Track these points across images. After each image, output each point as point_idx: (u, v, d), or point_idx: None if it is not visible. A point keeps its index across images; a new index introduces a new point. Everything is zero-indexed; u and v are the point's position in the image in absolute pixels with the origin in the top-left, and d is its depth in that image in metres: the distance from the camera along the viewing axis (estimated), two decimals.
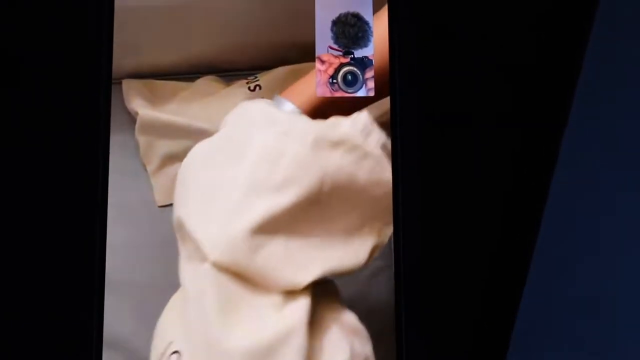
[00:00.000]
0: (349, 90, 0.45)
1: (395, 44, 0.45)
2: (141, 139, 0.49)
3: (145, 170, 0.49)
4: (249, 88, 0.49)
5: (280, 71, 0.49)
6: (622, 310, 0.45)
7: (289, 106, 0.46)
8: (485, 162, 0.47)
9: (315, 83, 0.46)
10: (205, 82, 0.50)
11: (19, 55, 0.47)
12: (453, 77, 0.48)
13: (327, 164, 0.44)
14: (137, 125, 0.49)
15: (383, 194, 0.45)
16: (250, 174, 0.43)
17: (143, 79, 0.50)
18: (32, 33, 0.47)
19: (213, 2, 0.48)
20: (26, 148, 0.46)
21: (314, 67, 0.46)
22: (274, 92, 0.47)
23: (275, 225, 0.43)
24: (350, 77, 0.45)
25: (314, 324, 0.43)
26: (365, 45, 0.45)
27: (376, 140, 0.45)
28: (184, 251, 0.44)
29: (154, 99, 0.50)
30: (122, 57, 0.47)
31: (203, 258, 0.42)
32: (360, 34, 0.45)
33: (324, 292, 0.44)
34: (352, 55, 0.45)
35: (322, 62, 0.45)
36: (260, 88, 0.49)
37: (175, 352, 0.42)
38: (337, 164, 0.44)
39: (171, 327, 0.43)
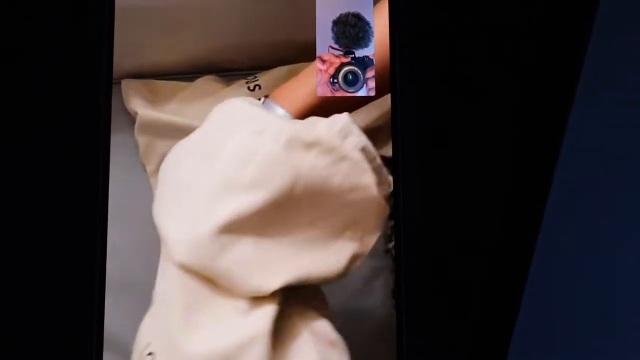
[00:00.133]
0: (350, 90, 0.45)
1: (396, 43, 0.45)
2: (141, 139, 0.49)
3: (145, 170, 0.49)
4: (248, 88, 0.49)
5: (279, 71, 0.49)
6: (622, 310, 0.45)
7: (278, 111, 0.45)
8: (486, 162, 0.47)
9: (305, 84, 0.45)
10: (204, 82, 0.50)
11: (19, 55, 0.47)
12: (453, 77, 0.48)
13: (299, 165, 0.42)
14: (136, 125, 0.49)
15: (362, 199, 0.43)
16: (221, 173, 0.42)
17: (142, 78, 0.50)
18: (33, 33, 0.47)
19: (213, 2, 0.48)
20: (26, 148, 0.46)
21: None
22: None
23: (243, 226, 0.41)
24: (351, 76, 0.45)
25: (283, 332, 0.42)
26: (366, 45, 0.45)
27: (354, 143, 0.43)
28: (163, 250, 0.43)
29: (154, 99, 0.50)
30: (122, 57, 0.47)
31: (172, 258, 0.42)
32: (360, 34, 0.45)
33: (300, 299, 0.43)
34: (353, 55, 0.45)
35: (323, 61, 0.45)
36: (259, 88, 0.49)
37: (150, 353, 0.41)
38: (310, 166, 0.42)
39: (149, 328, 0.43)
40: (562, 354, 0.45)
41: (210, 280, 0.42)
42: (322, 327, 0.43)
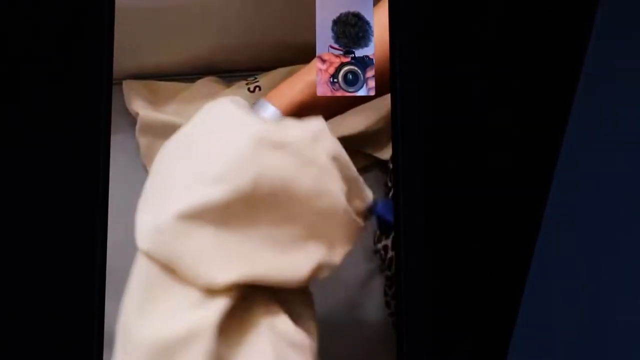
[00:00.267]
0: (350, 90, 0.45)
1: (396, 43, 0.45)
2: (142, 140, 0.49)
3: (146, 170, 0.49)
4: (248, 89, 0.49)
5: (279, 72, 0.49)
6: (622, 310, 0.45)
7: (270, 109, 0.45)
8: (486, 162, 0.47)
9: (297, 84, 0.45)
10: (205, 83, 0.50)
11: (20, 56, 0.47)
12: (453, 77, 0.48)
13: (265, 164, 0.42)
14: (137, 126, 0.49)
15: (330, 207, 0.42)
16: (190, 168, 0.42)
17: (144, 79, 0.50)
18: (33, 34, 0.47)
19: (213, 3, 0.48)
20: (27, 148, 0.46)
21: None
22: None
23: (202, 217, 0.41)
24: (351, 76, 0.45)
25: (241, 327, 0.41)
26: (366, 45, 0.45)
27: (325, 149, 0.43)
28: None
29: (155, 100, 0.50)
30: (123, 58, 0.47)
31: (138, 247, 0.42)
32: (360, 34, 0.45)
33: (267, 297, 0.43)
34: (353, 55, 0.45)
35: (323, 61, 0.45)
36: (260, 89, 0.49)
37: None
38: (275, 166, 0.42)
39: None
40: (562, 354, 0.45)
41: (170, 270, 0.41)
42: (285, 325, 0.42)
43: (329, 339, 0.46)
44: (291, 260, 0.42)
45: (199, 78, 0.50)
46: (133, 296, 0.41)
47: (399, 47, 0.45)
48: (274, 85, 0.48)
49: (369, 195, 0.45)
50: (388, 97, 0.46)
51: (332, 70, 0.45)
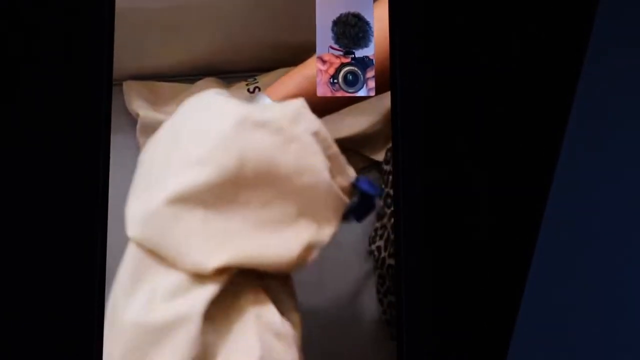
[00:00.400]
0: (350, 90, 0.45)
1: (396, 43, 0.45)
2: (142, 140, 0.49)
3: None
4: (248, 90, 0.49)
5: (279, 73, 0.49)
6: (622, 310, 0.45)
7: (267, 101, 0.45)
8: (486, 162, 0.47)
9: (295, 79, 0.46)
10: (205, 84, 0.50)
11: (20, 56, 0.47)
12: (453, 77, 0.48)
13: (248, 144, 0.42)
14: (138, 127, 0.49)
15: (314, 184, 0.43)
16: (175, 153, 0.43)
17: (144, 80, 0.50)
18: (34, 35, 0.47)
19: (213, 4, 0.48)
20: (27, 149, 0.46)
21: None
22: None
23: (190, 200, 0.42)
24: (351, 76, 0.45)
25: (228, 315, 0.41)
26: (366, 45, 0.45)
27: (306, 126, 0.43)
28: None
29: (155, 101, 0.50)
30: (123, 59, 0.47)
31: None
32: (360, 34, 0.45)
33: (255, 285, 0.43)
34: (353, 55, 0.45)
35: (323, 62, 0.45)
36: (259, 90, 0.49)
37: None
38: (258, 145, 0.42)
39: None
40: (561, 354, 0.45)
41: (159, 255, 0.42)
42: (271, 315, 0.42)
43: (326, 338, 0.46)
44: (281, 240, 0.42)
45: (199, 79, 0.50)
46: (121, 281, 0.42)
47: (399, 46, 0.45)
48: None
49: (352, 171, 0.45)
50: (387, 98, 0.46)
51: (332, 70, 0.45)
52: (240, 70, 0.50)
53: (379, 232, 0.47)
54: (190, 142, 0.43)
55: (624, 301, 0.45)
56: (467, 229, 0.46)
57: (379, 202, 0.47)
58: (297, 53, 0.47)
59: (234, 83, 0.50)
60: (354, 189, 0.45)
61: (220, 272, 0.41)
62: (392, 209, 0.46)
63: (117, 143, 0.46)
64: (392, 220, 0.46)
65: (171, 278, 0.41)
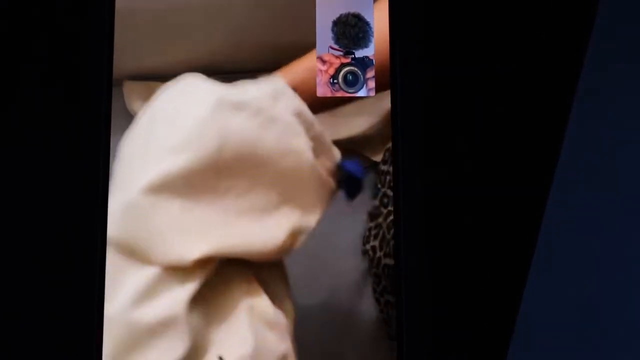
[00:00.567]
0: (350, 90, 0.45)
1: (396, 43, 0.45)
2: None
3: None
4: None
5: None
6: (622, 310, 0.45)
7: (279, 82, 0.45)
8: (485, 162, 0.47)
9: (305, 62, 0.45)
10: None
11: (20, 56, 0.47)
12: (453, 77, 0.48)
13: (227, 127, 0.41)
14: None
15: (298, 166, 0.42)
16: (152, 142, 0.42)
17: (144, 80, 0.50)
18: (34, 35, 0.47)
19: (213, 4, 0.48)
20: (27, 149, 0.46)
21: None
22: None
23: (169, 189, 0.40)
24: (351, 77, 0.45)
25: (220, 307, 0.41)
26: (366, 46, 0.45)
27: (287, 106, 0.42)
28: None
29: None
30: (123, 59, 0.47)
31: None
32: (360, 35, 0.45)
33: (246, 276, 0.42)
34: (353, 55, 0.45)
35: (323, 62, 0.45)
36: None
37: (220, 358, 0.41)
38: (238, 128, 0.41)
39: None
40: (561, 355, 0.45)
41: (136, 251, 0.41)
42: (264, 305, 0.41)
43: (324, 337, 0.46)
44: (264, 228, 0.41)
45: None
46: (107, 286, 0.41)
47: (399, 46, 0.45)
48: None
49: (337, 152, 0.44)
50: (387, 99, 0.46)
51: (332, 71, 0.45)
52: (240, 71, 0.50)
53: (373, 232, 0.47)
54: (166, 129, 0.42)
55: (624, 301, 0.45)
56: (467, 229, 0.46)
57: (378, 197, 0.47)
58: (297, 53, 0.47)
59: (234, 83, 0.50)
60: (339, 170, 0.44)
61: (202, 263, 0.40)
62: (388, 208, 0.46)
63: (117, 143, 0.46)
64: (388, 219, 0.46)
65: (150, 275, 0.40)
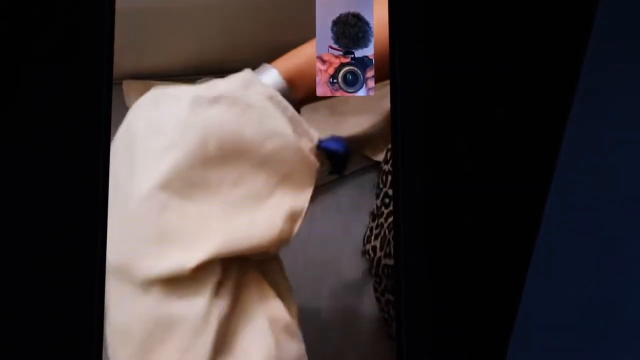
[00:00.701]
0: (350, 90, 0.45)
1: (396, 43, 0.45)
2: None
3: None
4: None
5: None
6: (621, 310, 0.45)
7: (272, 72, 0.45)
8: (486, 162, 0.47)
9: (304, 52, 0.45)
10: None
11: (20, 56, 0.47)
12: (453, 77, 0.48)
13: (207, 122, 0.42)
14: None
15: (281, 147, 0.42)
16: (136, 156, 0.42)
17: (144, 80, 0.50)
18: (33, 35, 0.47)
19: (213, 4, 0.48)
20: (27, 148, 0.46)
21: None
22: None
23: (165, 192, 0.41)
24: (350, 76, 0.45)
25: (237, 315, 0.41)
26: (366, 46, 0.45)
27: (259, 92, 0.43)
28: None
29: None
30: (123, 58, 0.47)
31: None
32: (360, 34, 0.45)
33: (257, 282, 0.42)
34: (353, 55, 0.45)
35: (323, 61, 0.45)
36: None
37: None
38: (217, 121, 0.42)
39: None
40: (561, 354, 0.45)
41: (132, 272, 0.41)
42: (279, 310, 0.42)
43: (325, 337, 0.46)
44: (262, 216, 0.42)
45: (199, 78, 0.50)
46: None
47: (399, 46, 0.45)
48: None
49: (315, 133, 0.45)
50: (388, 98, 0.46)
51: (331, 70, 0.45)
52: (240, 70, 0.50)
53: (375, 232, 0.47)
54: (149, 139, 0.42)
55: (624, 301, 0.45)
56: (467, 229, 0.46)
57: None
58: None
59: None
60: (321, 149, 0.45)
61: (205, 268, 0.41)
62: (390, 208, 0.46)
63: None
64: (389, 219, 0.46)
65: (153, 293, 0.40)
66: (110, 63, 0.46)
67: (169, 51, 0.50)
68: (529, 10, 0.48)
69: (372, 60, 0.45)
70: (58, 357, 0.45)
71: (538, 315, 0.45)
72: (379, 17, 0.45)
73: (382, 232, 0.47)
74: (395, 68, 0.45)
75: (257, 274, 0.42)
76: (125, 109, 0.49)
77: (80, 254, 0.45)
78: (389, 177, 0.47)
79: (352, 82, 0.45)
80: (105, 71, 0.46)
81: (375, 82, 0.45)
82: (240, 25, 0.49)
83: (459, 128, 0.47)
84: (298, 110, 0.46)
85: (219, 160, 0.42)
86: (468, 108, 0.48)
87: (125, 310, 0.41)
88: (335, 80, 0.45)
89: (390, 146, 0.47)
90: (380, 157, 0.49)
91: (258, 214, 0.42)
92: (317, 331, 0.45)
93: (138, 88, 0.49)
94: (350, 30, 0.45)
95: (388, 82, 0.46)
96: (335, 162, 0.46)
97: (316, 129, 0.47)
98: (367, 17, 0.45)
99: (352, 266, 0.48)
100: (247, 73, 0.44)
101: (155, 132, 0.42)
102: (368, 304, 0.47)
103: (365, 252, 0.48)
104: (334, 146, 0.45)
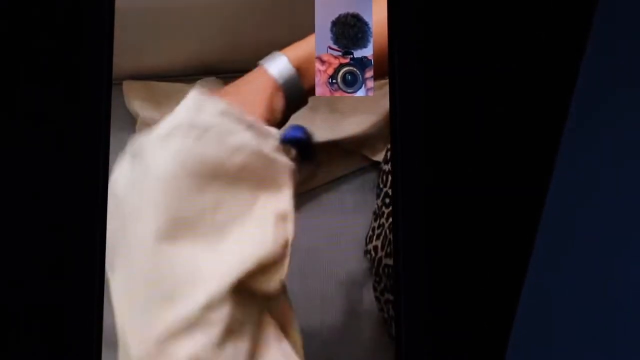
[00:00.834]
0: (349, 90, 0.45)
1: (396, 43, 0.46)
2: None
3: None
4: None
5: None
6: (620, 310, 0.45)
7: (283, 59, 0.45)
8: (485, 162, 0.47)
9: (314, 41, 0.45)
10: (205, 84, 0.50)
11: (20, 55, 0.47)
12: (453, 77, 0.48)
13: (173, 156, 0.42)
14: (137, 127, 0.49)
15: (248, 156, 0.42)
16: (127, 221, 0.42)
17: (144, 80, 0.50)
18: (34, 34, 0.48)
19: (212, 4, 0.48)
20: (27, 148, 0.46)
21: None
22: None
23: (158, 243, 0.41)
24: (349, 77, 0.45)
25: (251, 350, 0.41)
26: (365, 46, 0.45)
27: (211, 111, 0.43)
28: None
29: (155, 101, 0.50)
30: (123, 58, 0.47)
31: None
32: (359, 35, 0.45)
33: (263, 321, 0.42)
34: (352, 56, 0.45)
35: (322, 62, 0.45)
36: None
37: None
38: (181, 152, 0.42)
39: None
40: (559, 354, 0.45)
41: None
42: (287, 352, 0.42)
43: (325, 336, 0.46)
44: (251, 232, 0.42)
45: (199, 79, 0.50)
46: None
47: (398, 46, 0.46)
48: None
49: (274, 130, 0.44)
50: (387, 99, 0.46)
51: (330, 71, 0.45)
52: (240, 70, 0.50)
53: (377, 232, 0.47)
54: (131, 201, 0.42)
55: (622, 301, 0.45)
56: (466, 229, 0.47)
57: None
58: None
59: None
60: (284, 143, 0.45)
61: (211, 307, 0.41)
62: (390, 208, 0.46)
63: (117, 142, 0.46)
64: (390, 219, 0.46)
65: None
66: (110, 63, 0.46)
67: (169, 51, 0.50)
68: (529, 10, 0.48)
69: (371, 60, 0.45)
70: (58, 357, 0.45)
71: (537, 315, 0.45)
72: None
73: (384, 233, 0.47)
74: (395, 68, 0.45)
75: (265, 315, 0.42)
76: (125, 109, 0.49)
77: (80, 254, 0.45)
78: (389, 177, 0.47)
79: (351, 82, 0.45)
80: (105, 71, 0.46)
81: (376, 79, 0.45)
82: (240, 25, 0.49)
83: (458, 128, 0.47)
84: (306, 100, 0.46)
85: (194, 191, 0.42)
86: (467, 108, 0.48)
87: None
88: (334, 81, 0.45)
89: (389, 146, 0.47)
90: (380, 157, 0.49)
91: (246, 231, 0.42)
92: (317, 330, 0.45)
93: (138, 88, 0.49)
94: (350, 30, 0.45)
95: (387, 81, 0.46)
96: (301, 150, 0.45)
97: (316, 128, 0.47)
98: (366, 18, 0.45)
99: (353, 266, 0.48)
100: (194, 93, 0.44)
101: (130, 185, 0.42)
102: (368, 304, 0.47)
103: (367, 252, 0.48)
104: (293, 134, 0.45)
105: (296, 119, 0.46)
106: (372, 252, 0.47)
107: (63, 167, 0.46)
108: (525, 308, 0.45)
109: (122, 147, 0.47)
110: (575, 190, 0.46)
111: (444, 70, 0.48)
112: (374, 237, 0.47)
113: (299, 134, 0.45)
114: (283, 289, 0.43)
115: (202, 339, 0.40)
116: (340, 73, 0.45)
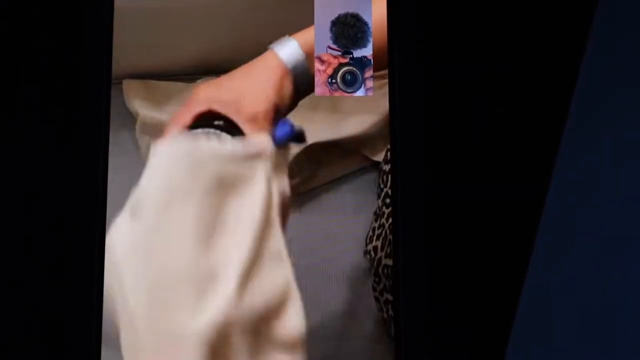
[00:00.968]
0: (348, 90, 0.45)
1: (396, 43, 0.46)
2: (142, 140, 0.49)
3: None
4: None
5: None
6: (620, 310, 0.45)
7: (293, 44, 0.45)
8: (484, 162, 0.47)
9: None
10: (204, 83, 0.50)
11: (20, 55, 0.47)
12: (452, 77, 0.48)
13: (159, 187, 0.40)
14: (137, 126, 0.49)
15: (221, 166, 0.41)
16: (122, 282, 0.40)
17: (143, 79, 0.50)
18: (33, 34, 0.48)
19: (212, 4, 0.48)
20: (27, 148, 0.46)
21: None
22: None
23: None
24: (349, 77, 0.45)
25: None
26: (365, 46, 0.45)
27: (178, 153, 0.41)
28: None
29: (155, 100, 0.50)
30: (123, 58, 0.47)
31: None
32: (359, 35, 0.45)
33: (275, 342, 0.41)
34: (351, 55, 0.45)
35: (322, 62, 0.45)
36: None
37: None
38: (162, 186, 0.40)
39: None
40: (559, 354, 0.45)
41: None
42: None
43: (324, 336, 0.46)
44: (243, 235, 0.40)
45: (199, 78, 0.50)
46: None
47: (398, 46, 0.46)
48: None
49: (263, 140, 0.43)
50: (387, 99, 0.46)
51: (330, 70, 0.45)
52: None
53: (377, 232, 0.47)
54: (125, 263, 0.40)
55: (622, 301, 0.45)
56: (466, 229, 0.47)
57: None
58: None
59: None
60: (276, 142, 0.43)
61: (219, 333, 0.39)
62: (390, 208, 0.46)
63: (117, 142, 0.46)
64: (389, 220, 0.46)
65: None
66: (110, 63, 0.46)
67: (168, 51, 0.50)
68: (528, 10, 0.48)
69: (370, 60, 0.45)
70: (58, 357, 0.45)
71: (537, 315, 0.45)
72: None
73: (384, 233, 0.47)
74: (394, 68, 0.45)
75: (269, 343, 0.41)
76: (125, 109, 0.49)
77: (80, 254, 0.45)
78: (389, 177, 0.47)
79: (351, 82, 0.45)
80: (105, 71, 0.46)
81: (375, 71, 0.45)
82: (239, 25, 0.49)
83: (458, 128, 0.47)
84: (313, 87, 0.45)
85: (182, 221, 0.40)
86: (467, 108, 0.48)
87: None
88: (334, 81, 0.45)
89: (389, 146, 0.47)
90: (380, 157, 0.49)
91: (233, 239, 0.40)
92: (317, 330, 0.46)
93: (138, 88, 0.50)
94: (349, 30, 0.45)
95: (387, 81, 0.46)
96: (295, 140, 0.45)
97: (316, 128, 0.47)
98: (365, 18, 0.45)
99: (353, 266, 0.48)
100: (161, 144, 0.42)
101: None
102: (368, 304, 0.47)
103: (366, 252, 0.48)
104: (283, 133, 0.43)
105: (296, 119, 0.46)
106: (372, 253, 0.47)
107: (63, 167, 0.46)
108: (525, 308, 0.45)
109: (122, 146, 0.47)
110: (575, 190, 0.46)
111: (444, 70, 0.48)
112: (374, 238, 0.47)
113: (287, 129, 0.44)
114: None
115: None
116: (340, 73, 0.45)
